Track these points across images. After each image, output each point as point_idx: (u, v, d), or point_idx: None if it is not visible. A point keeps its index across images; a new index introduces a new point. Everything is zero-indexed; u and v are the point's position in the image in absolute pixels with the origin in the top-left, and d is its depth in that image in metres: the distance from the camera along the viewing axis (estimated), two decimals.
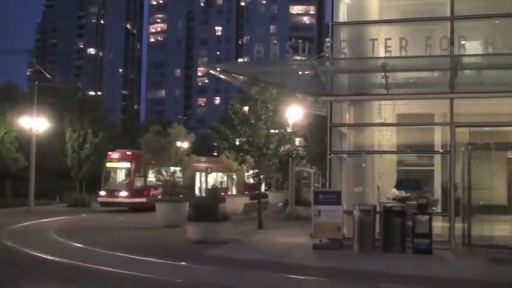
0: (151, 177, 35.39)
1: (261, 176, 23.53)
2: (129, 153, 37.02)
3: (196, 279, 11.99)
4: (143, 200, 34.40)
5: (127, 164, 35.93)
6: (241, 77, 19.46)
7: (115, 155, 37.44)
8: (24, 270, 13.27)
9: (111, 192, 34.99)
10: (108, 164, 36.96)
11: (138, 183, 35.78)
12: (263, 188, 46.05)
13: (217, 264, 13.90)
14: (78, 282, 11.70)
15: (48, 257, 14.94)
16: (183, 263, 13.95)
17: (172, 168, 26.37)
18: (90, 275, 12.55)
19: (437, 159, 19.47)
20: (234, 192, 44.16)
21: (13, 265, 13.91)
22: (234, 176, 45.38)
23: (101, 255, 15.49)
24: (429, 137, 18.84)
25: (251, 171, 26.01)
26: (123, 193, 34.84)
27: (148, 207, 31.95)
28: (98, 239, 19.22)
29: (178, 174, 27.67)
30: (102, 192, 35.82)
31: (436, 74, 17.30)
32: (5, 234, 19.99)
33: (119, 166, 36.86)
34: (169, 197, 26.04)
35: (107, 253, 15.77)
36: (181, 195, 26.68)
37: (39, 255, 15.27)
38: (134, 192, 34.98)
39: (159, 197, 33.63)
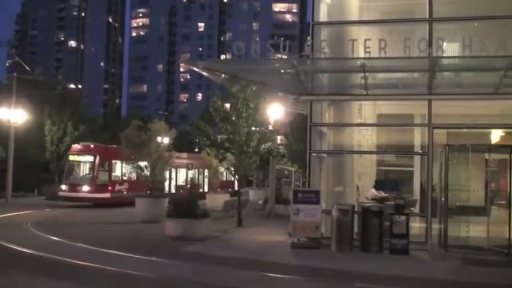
0: (116, 172, 35.33)
1: (236, 174, 23.50)
2: (92, 146, 35.86)
3: (172, 275, 12.02)
4: (107, 195, 33.72)
5: (90, 158, 34.44)
6: (222, 75, 19.47)
7: (78, 147, 36.00)
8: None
9: (73, 187, 33.60)
10: (71, 157, 35.51)
11: (102, 177, 34.37)
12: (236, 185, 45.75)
13: (194, 260, 13.92)
14: (52, 275, 11.62)
15: (25, 250, 14.85)
16: (159, 259, 13.94)
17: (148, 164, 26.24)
18: (65, 269, 12.52)
19: (416, 160, 19.66)
20: (206, 189, 42.79)
21: None
22: (206, 173, 44.15)
23: (77, 249, 15.44)
24: (409, 137, 18.96)
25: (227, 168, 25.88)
26: (86, 188, 33.45)
27: (112, 203, 32.60)
28: (75, 233, 19.16)
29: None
30: (64, 186, 34.38)
31: (415, 75, 17.45)
32: None
33: (82, 160, 35.29)
34: (149, 192, 25.99)
35: (84, 247, 15.73)
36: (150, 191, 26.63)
37: (16, 248, 15.20)
38: (97, 187, 33.64)
39: (124, 192, 34.39)
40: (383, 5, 18.88)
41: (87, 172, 34.86)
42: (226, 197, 31.22)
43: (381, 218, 15.77)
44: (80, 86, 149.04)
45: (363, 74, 15.75)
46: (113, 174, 35.00)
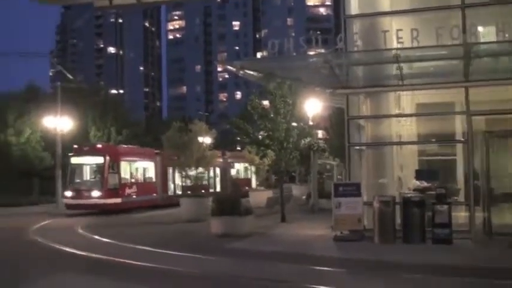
0: (126, 173, 32.69)
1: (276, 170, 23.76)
2: (100, 145, 34.19)
3: (218, 271, 12.31)
4: (118, 200, 30.91)
5: (99, 159, 31.40)
6: (257, 74, 19.73)
7: (84, 148, 33.44)
8: (54, 263, 13.70)
9: (80, 192, 30.57)
10: (74, 160, 32.41)
11: (112, 181, 31.28)
12: (254, 183, 44.94)
13: (239, 256, 14.23)
14: (105, 275, 12.04)
15: (77, 251, 15.44)
16: (205, 256, 14.29)
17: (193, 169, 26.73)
18: (116, 268, 12.97)
19: (459, 148, 19.41)
20: (218, 189, 40.20)
21: (42, 258, 14.42)
22: (218, 171, 41.03)
23: (126, 249, 15.93)
24: (449, 126, 18.81)
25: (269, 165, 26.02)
26: (96, 193, 30.32)
27: (123, 209, 30.37)
28: (122, 234, 19.72)
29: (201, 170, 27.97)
30: (69, 193, 31.03)
31: (451, 62, 17.33)
32: (35, 231, 20.63)
33: (88, 161, 32.29)
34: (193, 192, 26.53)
35: (132, 247, 16.21)
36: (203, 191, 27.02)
37: (67, 249, 15.82)
38: (108, 192, 30.56)
39: (134, 196, 32.15)
40: None
41: (96, 175, 32.05)
42: (269, 193, 31.49)
43: (422, 208, 15.74)
44: (121, 91, 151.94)
45: (397, 65, 15.76)
46: (123, 176, 32.30)
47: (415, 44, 15.60)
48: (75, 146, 34.06)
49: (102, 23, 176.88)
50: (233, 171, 44.86)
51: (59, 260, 14.63)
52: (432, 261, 12.99)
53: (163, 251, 15.28)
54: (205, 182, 38.36)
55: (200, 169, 28.16)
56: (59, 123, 37.02)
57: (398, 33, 15.97)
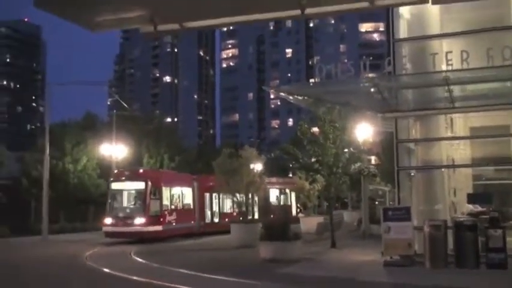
0: (166, 200, 30.99)
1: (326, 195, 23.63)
2: (141, 171, 32.73)
3: None
4: (159, 228, 29.37)
5: (140, 184, 29.93)
6: (306, 98, 19.85)
7: (125, 173, 31.94)
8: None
9: (121, 220, 29.11)
10: (115, 185, 30.97)
11: (154, 207, 29.84)
12: (294, 210, 42.48)
13: (288, 281, 14.15)
14: None
15: (129, 276, 15.70)
16: (254, 281, 14.27)
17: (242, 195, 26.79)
18: None
19: None
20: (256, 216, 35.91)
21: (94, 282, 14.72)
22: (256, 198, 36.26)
23: (177, 275, 16.06)
24: (504, 149, 18.46)
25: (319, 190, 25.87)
26: (138, 220, 28.80)
27: (164, 237, 29.06)
28: (173, 259, 19.90)
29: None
30: (108, 220, 29.36)
31: (502, 84, 17.02)
32: (88, 256, 21.11)
33: (129, 187, 30.80)
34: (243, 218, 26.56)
35: (184, 272, 16.32)
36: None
37: (119, 274, 16.10)
38: (150, 219, 29.08)
39: (174, 224, 30.47)
40: (463, 17, 18.55)
41: (136, 201, 30.34)
42: (319, 219, 31.28)
43: (475, 232, 15.36)
44: (175, 119, 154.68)
45: (447, 87, 15.59)
46: (164, 203, 30.66)
47: (465, 66, 15.44)
48: (116, 171, 33.49)
49: (158, 53, 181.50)
50: (272, 197, 42.62)
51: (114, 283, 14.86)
52: (487, 286, 12.64)
53: (213, 276, 15.30)
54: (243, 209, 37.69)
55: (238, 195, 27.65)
56: (114, 150, 37.93)
57: (447, 56, 15.86)
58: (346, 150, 23.14)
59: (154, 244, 26.71)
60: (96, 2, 6.15)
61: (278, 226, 18.91)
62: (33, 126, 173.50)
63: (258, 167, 28.92)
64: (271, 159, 41.22)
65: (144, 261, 19.74)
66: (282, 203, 43.23)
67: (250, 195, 34.53)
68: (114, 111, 45.07)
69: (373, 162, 44.00)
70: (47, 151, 33.33)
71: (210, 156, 39.98)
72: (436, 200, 18.25)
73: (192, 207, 33.71)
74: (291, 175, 58.16)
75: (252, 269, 16.92)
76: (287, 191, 43.83)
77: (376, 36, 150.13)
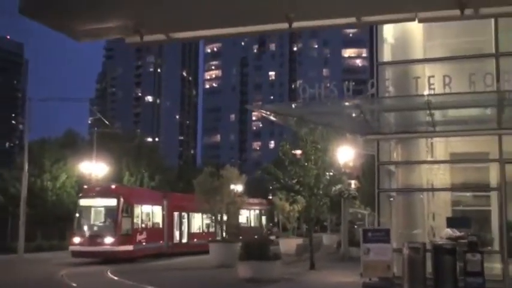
0: (137, 218, 29.63)
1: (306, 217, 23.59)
2: (113, 187, 30.99)
3: None
4: (130, 247, 27.94)
5: (112, 201, 28.29)
6: (290, 118, 19.90)
7: (96, 189, 30.44)
8: None
9: (90, 239, 27.44)
10: (83, 202, 29.29)
11: (126, 226, 28.36)
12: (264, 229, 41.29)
13: None
14: None
15: None
16: None
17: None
18: None
19: (493, 198, 19.01)
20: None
21: None
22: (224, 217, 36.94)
23: None
24: (483, 176, 18.55)
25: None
26: (108, 239, 27.25)
27: (134, 257, 27.87)
28: (152, 278, 19.71)
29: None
30: (77, 239, 27.67)
31: (483, 110, 17.22)
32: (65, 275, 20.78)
33: (100, 204, 29.10)
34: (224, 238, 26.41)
35: None
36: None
37: None
38: (121, 238, 27.54)
39: (144, 243, 29.31)
40: (447, 43, 18.82)
41: (107, 219, 28.83)
42: (299, 241, 31.22)
43: (454, 256, 15.38)
44: (156, 139, 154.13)
45: (428, 111, 15.72)
46: (135, 221, 29.24)
47: (448, 91, 15.57)
48: (85, 186, 32.12)
49: (141, 72, 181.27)
50: (242, 218, 39.35)
51: None
52: None
53: None
54: (212, 229, 35.99)
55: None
56: (94, 168, 37.63)
57: (430, 80, 16.00)
58: (327, 172, 23.22)
59: (130, 264, 26.09)
60: (81, 11, 6.12)
61: (257, 245, 18.83)
62: (11, 144, 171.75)
63: (238, 187, 28.82)
64: (251, 180, 40.97)
65: (122, 279, 19.50)
66: (252, 224, 42.11)
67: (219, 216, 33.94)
68: (95, 128, 44.79)
69: (353, 186, 44.18)
70: (26, 168, 32.97)
71: (191, 175, 39.75)
72: (416, 223, 18.28)
73: (161, 226, 32.28)
74: (270, 197, 58.17)
75: None
76: (257, 212, 43.10)
77: (359, 61, 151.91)
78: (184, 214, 34.54)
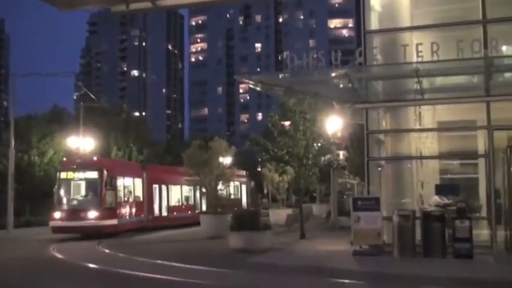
0: (121, 191, 28.49)
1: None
2: (96, 159, 29.83)
3: (239, 284, 12.30)
4: (114, 222, 26.81)
5: (94, 174, 27.18)
6: (278, 88, 19.83)
7: (77, 161, 29.08)
8: (73, 278, 13.83)
9: (72, 213, 26.15)
10: (64, 175, 27.87)
11: (109, 199, 27.09)
12: (244, 202, 41.35)
13: (258, 270, 14.20)
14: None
15: (98, 266, 15.58)
16: (226, 270, 14.27)
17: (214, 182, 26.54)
18: (138, 282, 13.09)
19: (481, 166, 19.18)
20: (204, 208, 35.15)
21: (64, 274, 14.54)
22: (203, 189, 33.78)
23: (149, 265, 15.93)
24: (471, 144, 18.68)
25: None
26: (92, 213, 26.03)
27: (119, 232, 26.93)
28: (142, 251, 19.79)
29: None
30: (57, 214, 26.32)
31: (471, 78, 17.27)
32: (56, 249, 20.80)
33: (81, 177, 27.72)
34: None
35: (154, 262, 16.21)
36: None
37: (88, 265, 16.00)
38: (105, 212, 26.42)
39: (127, 217, 28.32)
40: (434, 10, 18.76)
41: (90, 193, 27.49)
42: (288, 211, 31.39)
43: (443, 222, 15.58)
44: (143, 113, 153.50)
45: (417, 79, 15.74)
46: (118, 195, 28.03)
47: (435, 58, 15.57)
48: (64, 159, 31.18)
49: (126, 46, 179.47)
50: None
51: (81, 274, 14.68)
52: (453, 275, 12.85)
53: (184, 265, 15.24)
54: (191, 202, 36.37)
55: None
56: (82, 143, 37.43)
57: (418, 48, 15.98)
58: (316, 143, 23.20)
59: (114, 238, 25.45)
60: None
61: (248, 216, 18.94)
62: None
63: (227, 159, 28.80)
64: (240, 152, 40.97)
65: (115, 252, 19.55)
66: (232, 196, 40.69)
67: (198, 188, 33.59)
68: (82, 103, 44.45)
69: (341, 157, 44.35)
70: (12, 144, 32.70)
71: (179, 149, 39.64)
72: (405, 192, 18.46)
73: (141, 199, 31.16)
74: (259, 168, 58.30)
75: (222, 258, 16.93)
76: (237, 183, 41.59)
77: (345, 32, 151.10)
78: (164, 187, 33.61)
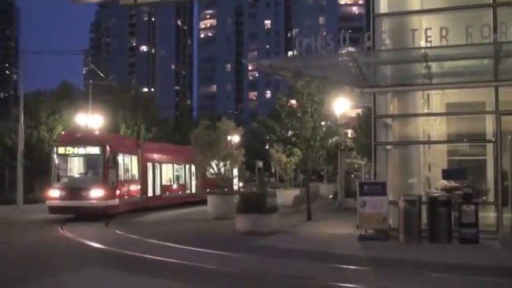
0: (122, 170, 27.07)
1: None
2: (98, 133, 28.54)
3: (244, 268, 12.36)
4: (116, 202, 25.22)
5: (97, 150, 25.31)
6: (285, 72, 19.81)
7: (77, 135, 27.51)
8: (81, 257, 13.96)
9: (72, 192, 24.12)
10: (63, 149, 25.63)
11: (112, 178, 25.26)
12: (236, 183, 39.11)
13: (264, 253, 14.24)
14: (136, 270, 12.19)
15: (102, 246, 15.76)
16: (230, 253, 14.35)
17: (222, 163, 26.54)
18: (141, 263, 13.09)
19: (489, 148, 19.17)
20: (194, 190, 35.67)
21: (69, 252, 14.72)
22: (193, 170, 34.20)
23: (154, 246, 16.05)
24: (479, 126, 18.62)
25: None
26: (94, 193, 24.20)
27: (120, 212, 25.66)
28: (151, 231, 19.90)
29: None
30: (55, 192, 24.36)
31: (482, 62, 17.14)
32: (66, 229, 20.98)
33: (82, 152, 25.84)
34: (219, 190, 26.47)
35: (159, 244, 16.31)
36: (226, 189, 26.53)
37: (95, 245, 16.16)
38: (108, 192, 24.64)
39: (126, 197, 26.87)
40: None
41: (91, 170, 25.85)
42: (296, 192, 31.49)
43: (449, 207, 15.62)
44: (152, 89, 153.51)
45: (425, 64, 15.65)
46: (119, 173, 26.46)
47: (444, 43, 15.48)
48: (63, 133, 29.43)
49: (135, 22, 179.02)
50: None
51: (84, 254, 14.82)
52: (458, 261, 12.87)
53: (189, 247, 15.32)
54: (181, 182, 35.63)
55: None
56: (90, 120, 37.60)
57: (427, 32, 15.89)
58: (323, 123, 23.19)
59: (116, 218, 24.75)
60: None
61: (254, 198, 18.98)
62: (6, 94, 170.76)
63: (235, 139, 28.84)
64: (250, 133, 40.91)
65: (125, 233, 19.57)
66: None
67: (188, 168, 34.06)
68: (90, 80, 44.55)
69: (349, 135, 44.29)
70: (22, 120, 32.88)
71: (188, 127, 39.64)
72: (412, 174, 18.47)
73: (137, 178, 29.48)
74: (267, 147, 58.36)
75: (228, 241, 17.04)
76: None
77: (355, 9, 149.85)
78: (158, 165, 32.17)
